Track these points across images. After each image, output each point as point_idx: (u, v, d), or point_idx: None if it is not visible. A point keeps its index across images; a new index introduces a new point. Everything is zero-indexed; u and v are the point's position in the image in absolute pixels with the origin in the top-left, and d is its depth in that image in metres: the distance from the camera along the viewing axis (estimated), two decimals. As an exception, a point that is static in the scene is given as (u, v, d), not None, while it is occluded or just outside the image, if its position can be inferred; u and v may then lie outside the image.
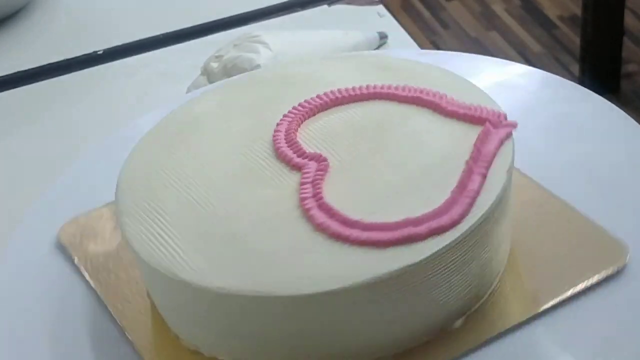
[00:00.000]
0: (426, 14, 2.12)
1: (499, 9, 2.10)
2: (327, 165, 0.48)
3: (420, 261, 0.42)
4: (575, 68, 1.86)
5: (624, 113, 0.57)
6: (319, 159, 0.48)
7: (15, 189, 0.70)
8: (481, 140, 0.47)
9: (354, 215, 0.45)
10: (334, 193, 0.46)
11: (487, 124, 0.48)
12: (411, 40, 0.82)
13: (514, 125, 0.48)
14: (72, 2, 0.95)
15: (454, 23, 2.08)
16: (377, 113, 0.51)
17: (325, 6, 0.87)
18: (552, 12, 2.06)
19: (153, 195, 0.49)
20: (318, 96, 0.52)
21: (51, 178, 0.61)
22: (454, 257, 0.44)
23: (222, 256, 0.45)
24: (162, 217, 0.47)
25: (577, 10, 1.92)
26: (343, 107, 0.52)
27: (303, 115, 0.51)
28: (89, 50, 0.85)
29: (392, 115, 0.51)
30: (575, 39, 1.92)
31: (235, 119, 0.53)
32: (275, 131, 0.51)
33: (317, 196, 0.46)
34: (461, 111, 0.50)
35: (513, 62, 0.65)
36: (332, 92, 0.52)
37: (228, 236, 0.46)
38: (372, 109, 0.52)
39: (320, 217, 0.45)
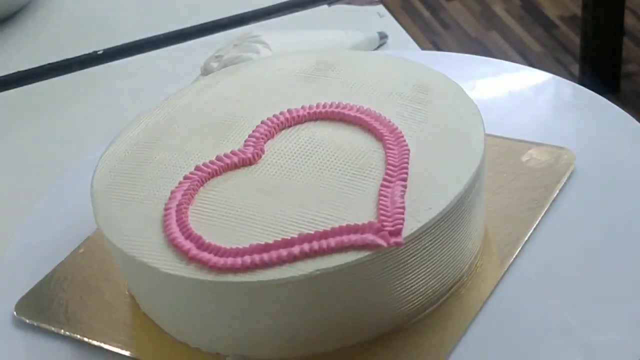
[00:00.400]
0: (426, 14, 2.12)
1: (499, 9, 2.10)
2: (251, 160, 0.49)
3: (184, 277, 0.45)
4: (575, 68, 1.86)
5: (625, 113, 0.57)
6: (257, 148, 0.50)
7: (15, 189, 0.70)
8: (340, 231, 0.44)
9: (198, 213, 0.47)
10: (226, 185, 0.49)
11: (371, 223, 0.44)
12: (411, 41, 0.82)
13: (383, 245, 0.43)
14: (72, 2, 0.95)
15: (454, 23, 2.08)
16: (357, 143, 0.50)
17: (325, 6, 0.87)
18: (552, 12, 2.06)
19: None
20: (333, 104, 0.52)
21: (51, 178, 0.61)
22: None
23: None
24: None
25: (577, 10, 1.92)
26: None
27: (303, 118, 0.52)
28: (89, 50, 0.85)
29: (361, 156, 0.49)
30: (575, 39, 1.92)
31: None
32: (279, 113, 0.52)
33: (195, 180, 0.49)
34: (382, 196, 0.46)
35: (513, 63, 0.65)
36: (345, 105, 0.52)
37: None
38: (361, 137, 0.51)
39: (173, 202, 0.48)
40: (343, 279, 0.43)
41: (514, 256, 0.49)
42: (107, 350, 0.49)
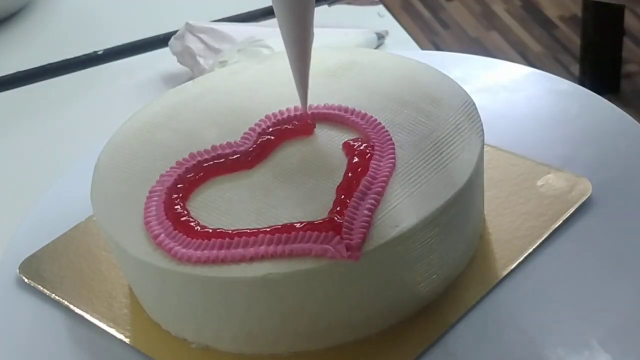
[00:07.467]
0: (426, 14, 2.12)
1: (499, 9, 2.10)
2: (243, 153, 0.50)
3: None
4: (575, 68, 1.86)
5: (625, 113, 0.57)
6: (253, 143, 0.50)
7: (15, 189, 0.70)
8: (301, 237, 0.44)
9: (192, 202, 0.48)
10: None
11: (333, 234, 0.44)
12: (411, 41, 0.82)
13: (337, 257, 0.43)
14: (72, 2, 0.95)
15: (454, 23, 2.08)
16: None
17: (326, 6, 0.87)
18: (552, 12, 2.06)
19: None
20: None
21: (51, 178, 0.61)
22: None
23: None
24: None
25: (577, 11, 1.92)
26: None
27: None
28: (89, 50, 0.85)
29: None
30: (575, 39, 1.92)
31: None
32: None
33: (185, 167, 0.49)
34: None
35: (513, 63, 0.65)
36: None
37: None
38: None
39: (158, 186, 0.49)
40: (297, 284, 0.44)
41: (497, 282, 0.48)
42: (90, 321, 0.50)
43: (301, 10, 0.47)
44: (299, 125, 0.51)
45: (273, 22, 0.86)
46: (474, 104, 0.51)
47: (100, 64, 0.84)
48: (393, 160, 0.48)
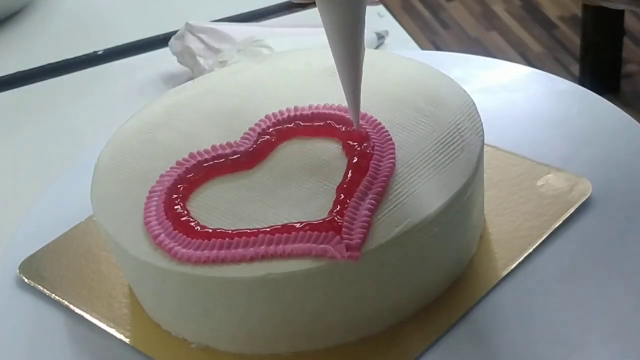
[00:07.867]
0: (426, 14, 2.12)
1: (499, 9, 2.10)
2: (243, 153, 0.50)
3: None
4: (575, 68, 1.86)
5: (624, 113, 0.57)
6: (253, 143, 0.50)
7: (15, 189, 0.70)
8: (301, 237, 0.44)
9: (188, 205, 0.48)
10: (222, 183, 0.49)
11: (333, 234, 0.44)
12: (411, 41, 0.82)
13: (337, 257, 0.43)
14: (72, 2, 0.95)
15: (454, 23, 2.08)
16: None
17: (326, 6, 0.87)
18: (552, 12, 2.06)
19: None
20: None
21: (51, 178, 0.61)
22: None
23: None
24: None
25: (577, 11, 1.92)
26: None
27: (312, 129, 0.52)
28: (89, 50, 0.85)
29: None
30: (575, 39, 1.92)
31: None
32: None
33: (185, 166, 0.49)
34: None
35: (513, 63, 0.65)
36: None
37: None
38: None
39: (158, 186, 0.48)
40: (297, 284, 0.44)
41: (497, 282, 0.48)
42: (90, 321, 0.50)
43: (352, 26, 0.48)
44: (354, 133, 0.50)
45: (273, 22, 0.86)
46: (474, 104, 0.51)
47: (100, 64, 0.84)
48: (393, 160, 0.48)
